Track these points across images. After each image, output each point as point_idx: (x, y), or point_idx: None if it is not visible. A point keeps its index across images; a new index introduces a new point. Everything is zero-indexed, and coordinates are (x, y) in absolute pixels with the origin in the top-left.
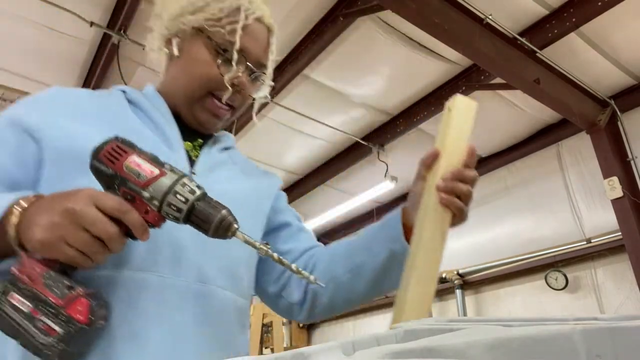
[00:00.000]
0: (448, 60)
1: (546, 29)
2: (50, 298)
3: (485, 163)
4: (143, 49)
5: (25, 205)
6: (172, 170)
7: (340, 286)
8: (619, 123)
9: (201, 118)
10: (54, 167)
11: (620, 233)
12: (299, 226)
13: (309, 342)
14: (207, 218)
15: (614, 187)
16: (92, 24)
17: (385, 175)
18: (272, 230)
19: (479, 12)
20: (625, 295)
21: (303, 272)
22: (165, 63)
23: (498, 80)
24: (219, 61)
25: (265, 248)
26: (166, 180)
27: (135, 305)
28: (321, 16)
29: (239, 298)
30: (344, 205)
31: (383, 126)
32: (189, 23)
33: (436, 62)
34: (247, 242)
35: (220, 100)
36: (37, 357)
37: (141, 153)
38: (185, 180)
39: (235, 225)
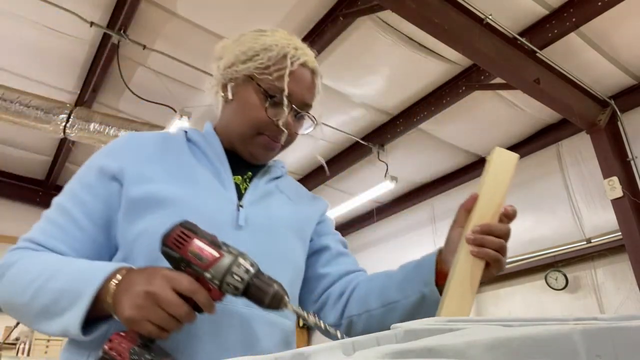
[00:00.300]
0: (448, 60)
1: (546, 29)
2: None
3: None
4: (143, 49)
5: (120, 278)
6: (229, 251)
7: (374, 318)
8: (619, 123)
9: (254, 152)
10: (126, 209)
11: (620, 233)
12: (339, 250)
13: (309, 342)
14: (262, 293)
15: (614, 187)
16: (92, 24)
17: (385, 175)
18: (313, 253)
19: (479, 12)
20: (625, 295)
21: (338, 333)
22: (221, 105)
23: (498, 80)
24: (267, 105)
25: (314, 319)
26: (224, 262)
27: (189, 327)
28: (321, 16)
29: (283, 320)
30: (344, 205)
31: (383, 126)
32: (241, 71)
33: (436, 62)
34: (297, 313)
35: (269, 137)
36: None
37: (202, 237)
38: (240, 260)
39: (287, 298)
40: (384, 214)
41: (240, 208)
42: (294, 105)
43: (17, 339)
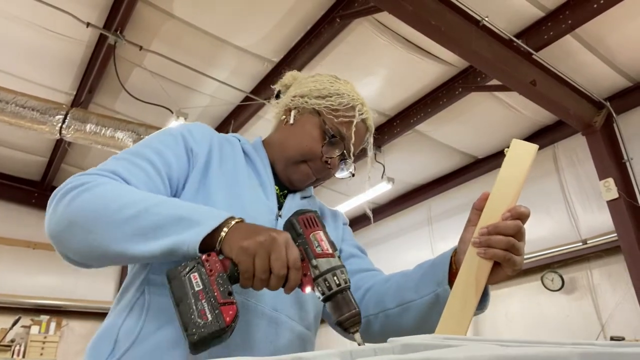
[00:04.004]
0: (445, 61)
1: (542, 30)
2: (216, 293)
3: (483, 164)
4: (139, 50)
5: (233, 223)
6: (339, 257)
7: (390, 318)
8: (614, 124)
9: (293, 178)
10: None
11: (615, 234)
12: (350, 253)
13: None
14: (343, 307)
15: (610, 189)
16: (88, 24)
17: (382, 177)
18: None
19: (475, 14)
20: (621, 296)
21: (360, 341)
22: (277, 124)
23: (494, 81)
24: (324, 142)
25: (362, 342)
26: (333, 261)
27: None
28: (318, 17)
29: (303, 329)
30: (341, 206)
31: (380, 127)
32: (311, 104)
33: (433, 64)
34: (359, 343)
35: (311, 169)
36: (182, 329)
37: (327, 234)
38: (344, 269)
39: (358, 327)
40: (381, 215)
41: (279, 217)
42: (345, 151)
43: (12, 341)
